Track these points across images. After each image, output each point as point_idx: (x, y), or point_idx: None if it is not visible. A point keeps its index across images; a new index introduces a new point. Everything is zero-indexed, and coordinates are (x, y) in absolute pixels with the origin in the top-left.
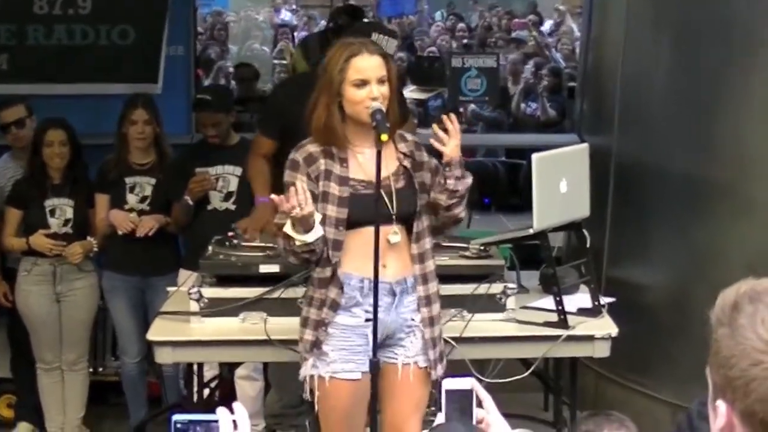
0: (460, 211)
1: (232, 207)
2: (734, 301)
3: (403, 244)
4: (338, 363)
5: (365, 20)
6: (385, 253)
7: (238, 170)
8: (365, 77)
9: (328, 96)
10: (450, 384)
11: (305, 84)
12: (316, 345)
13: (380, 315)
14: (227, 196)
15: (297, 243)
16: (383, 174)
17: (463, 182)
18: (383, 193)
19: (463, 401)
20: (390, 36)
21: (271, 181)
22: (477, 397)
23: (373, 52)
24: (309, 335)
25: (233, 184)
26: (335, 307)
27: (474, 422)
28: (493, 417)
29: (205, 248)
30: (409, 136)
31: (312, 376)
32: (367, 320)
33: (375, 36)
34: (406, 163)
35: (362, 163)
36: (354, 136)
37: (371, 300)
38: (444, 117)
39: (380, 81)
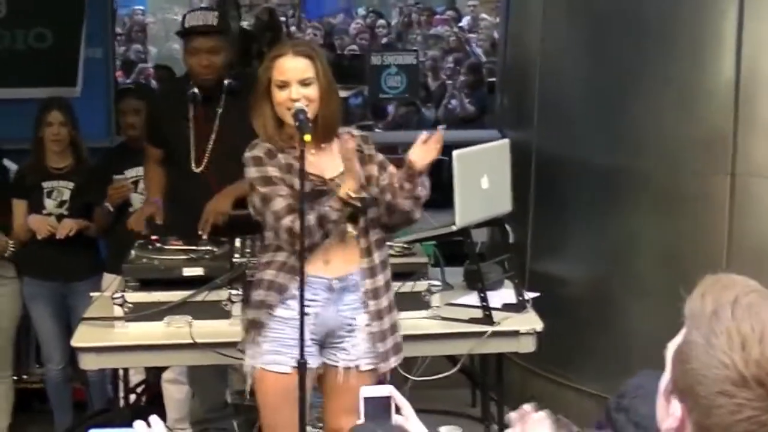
0: (417, 213)
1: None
2: (714, 309)
3: (350, 239)
4: (269, 355)
5: None
6: (331, 248)
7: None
8: (286, 78)
9: (260, 97)
10: (368, 391)
11: (179, 89)
12: (254, 325)
13: (318, 310)
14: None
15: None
16: (334, 173)
17: (426, 188)
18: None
19: (381, 408)
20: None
21: (163, 182)
22: (395, 404)
23: (299, 53)
24: (250, 315)
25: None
26: (282, 290)
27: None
28: (411, 423)
29: (127, 251)
30: (355, 132)
31: (251, 368)
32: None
33: (188, 16)
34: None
35: (311, 160)
36: (296, 134)
37: (307, 294)
38: (429, 135)
39: (303, 83)
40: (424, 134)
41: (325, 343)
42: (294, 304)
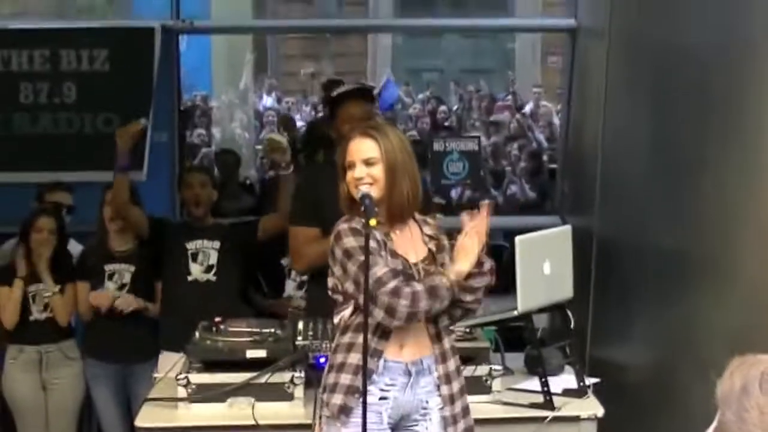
0: (475, 305)
1: (213, 278)
2: (743, 385)
3: (420, 325)
4: None
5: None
6: (404, 333)
7: (217, 243)
8: (351, 159)
9: (340, 179)
10: None
11: (323, 170)
12: (344, 411)
13: (396, 394)
14: (208, 269)
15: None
16: (416, 258)
17: (482, 278)
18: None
19: None
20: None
21: None
22: None
23: (365, 134)
24: (338, 399)
25: (213, 257)
26: (369, 375)
27: None
28: None
29: (187, 326)
30: (431, 220)
31: None
32: (381, 398)
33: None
34: (431, 246)
35: (396, 241)
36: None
37: (386, 378)
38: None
39: (367, 162)
40: (466, 216)
41: (398, 426)
42: (373, 388)
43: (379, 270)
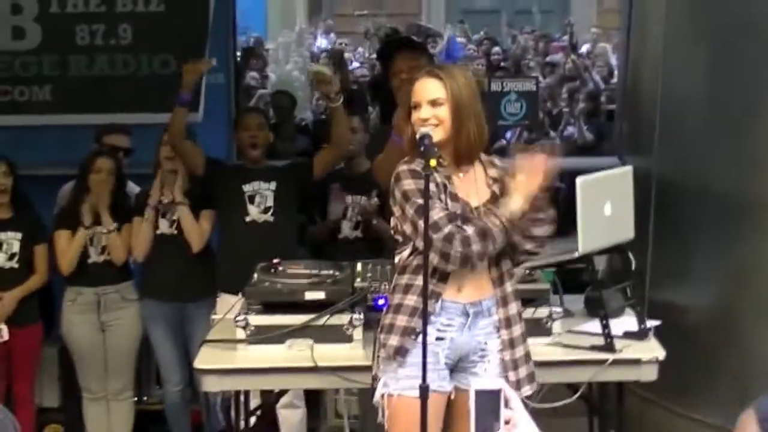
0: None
1: (271, 219)
2: None
3: (482, 268)
4: (407, 380)
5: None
6: (462, 275)
7: (273, 185)
8: (417, 100)
9: (406, 120)
10: (479, 384)
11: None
12: (400, 352)
13: (453, 335)
14: (265, 210)
15: None
16: (479, 201)
17: (543, 226)
18: None
19: (491, 401)
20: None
21: None
22: (505, 397)
23: (431, 74)
24: (394, 341)
25: (270, 199)
26: (426, 317)
27: (502, 421)
28: (518, 416)
29: (245, 268)
30: (498, 161)
31: (383, 395)
32: (438, 339)
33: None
34: (495, 188)
35: (458, 184)
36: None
37: (443, 319)
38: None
39: (432, 103)
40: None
41: (457, 367)
42: (430, 329)
43: (435, 214)
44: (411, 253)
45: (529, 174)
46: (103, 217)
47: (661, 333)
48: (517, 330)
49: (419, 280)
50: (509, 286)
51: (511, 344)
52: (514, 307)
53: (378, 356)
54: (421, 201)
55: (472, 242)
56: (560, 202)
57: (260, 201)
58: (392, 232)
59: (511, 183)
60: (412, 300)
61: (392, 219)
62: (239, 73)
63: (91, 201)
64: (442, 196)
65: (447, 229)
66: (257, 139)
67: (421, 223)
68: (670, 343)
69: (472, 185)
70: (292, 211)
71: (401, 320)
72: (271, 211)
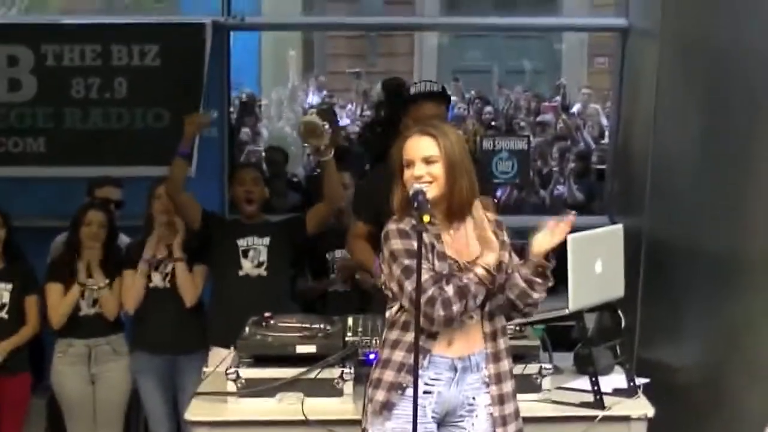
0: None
1: (264, 273)
2: None
3: (474, 323)
4: None
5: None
6: (454, 332)
7: (267, 240)
8: (410, 157)
9: (396, 178)
10: None
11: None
12: (386, 407)
13: (441, 389)
14: (259, 264)
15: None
16: (470, 258)
17: (542, 290)
18: None
19: None
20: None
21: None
22: None
23: (424, 132)
24: (381, 396)
25: (264, 254)
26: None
27: None
28: None
29: (238, 321)
30: (491, 216)
31: None
32: (425, 392)
33: (415, 86)
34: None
35: (449, 241)
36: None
37: (430, 373)
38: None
39: (426, 160)
40: (552, 221)
41: (444, 421)
42: (418, 382)
43: (422, 275)
44: (399, 310)
45: (549, 235)
46: (95, 273)
47: (651, 391)
48: (508, 386)
49: (407, 336)
50: (503, 343)
51: (501, 400)
52: (506, 364)
53: (366, 410)
54: (407, 261)
55: (452, 303)
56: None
57: (254, 256)
58: (382, 287)
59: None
60: (399, 355)
61: (382, 276)
62: (234, 128)
63: (85, 257)
64: (430, 256)
65: (430, 292)
66: (253, 194)
67: (407, 284)
68: (660, 401)
69: (464, 241)
70: (285, 266)
71: (389, 375)
72: (265, 265)
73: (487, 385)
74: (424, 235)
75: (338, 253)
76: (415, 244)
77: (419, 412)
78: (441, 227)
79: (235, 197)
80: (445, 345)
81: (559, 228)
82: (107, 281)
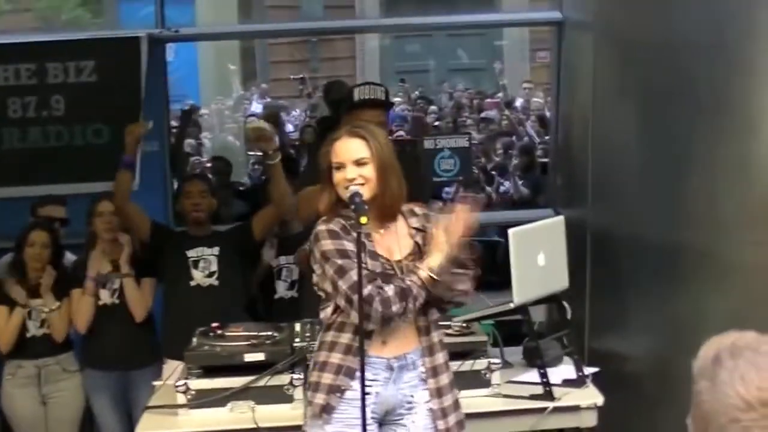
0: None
1: (216, 283)
2: (715, 355)
3: (408, 320)
4: None
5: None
6: (387, 330)
7: (216, 250)
8: (341, 160)
9: (323, 181)
10: None
11: None
12: (326, 410)
13: (378, 389)
14: (210, 275)
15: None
16: (400, 255)
17: (464, 281)
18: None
19: None
20: (378, 86)
21: None
22: None
23: (354, 134)
24: (320, 399)
25: (214, 264)
26: (351, 374)
27: None
28: None
29: (190, 333)
30: (418, 210)
31: None
32: (364, 393)
33: (361, 88)
34: (418, 238)
35: (379, 240)
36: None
37: (368, 374)
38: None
39: (358, 163)
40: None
41: (384, 420)
42: (356, 384)
43: (355, 275)
44: (333, 311)
45: (449, 228)
46: (44, 296)
47: (603, 381)
48: (445, 379)
49: (343, 338)
50: (436, 336)
51: (439, 393)
52: (441, 357)
53: (306, 413)
54: (340, 261)
55: (392, 303)
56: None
57: (204, 266)
58: (315, 288)
59: (433, 234)
60: (336, 357)
61: (314, 276)
62: (181, 139)
63: (30, 278)
64: (362, 255)
65: (367, 290)
66: (200, 206)
67: (341, 283)
68: (611, 390)
69: (394, 239)
70: (237, 275)
71: (327, 378)
72: (216, 275)
73: (425, 380)
74: (353, 234)
75: (283, 260)
76: (346, 244)
77: (359, 414)
78: (371, 227)
79: (184, 209)
80: (380, 344)
81: (458, 214)
82: (57, 303)
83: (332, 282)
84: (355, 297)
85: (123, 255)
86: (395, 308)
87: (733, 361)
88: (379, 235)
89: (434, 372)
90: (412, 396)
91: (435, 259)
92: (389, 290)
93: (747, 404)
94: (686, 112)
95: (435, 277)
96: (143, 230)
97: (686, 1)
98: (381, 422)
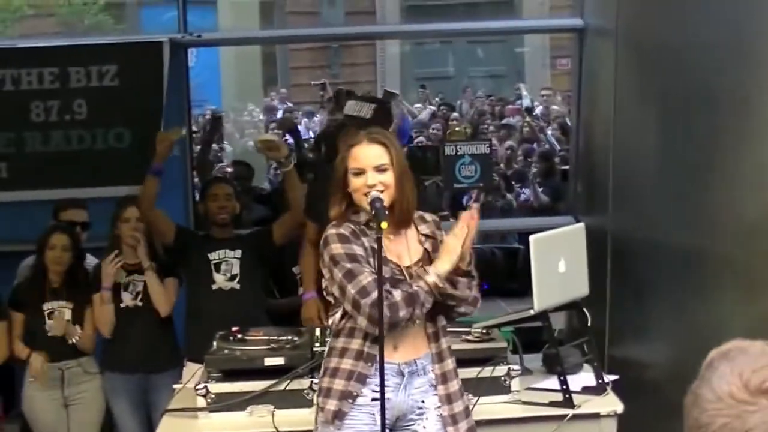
0: (465, 308)
1: (237, 286)
2: (710, 361)
3: (417, 326)
4: None
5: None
6: (397, 335)
7: (238, 253)
8: (361, 166)
9: (337, 186)
10: None
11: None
12: (338, 416)
13: (389, 395)
14: (231, 278)
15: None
16: (410, 261)
17: (468, 288)
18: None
19: None
20: (367, 101)
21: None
22: None
23: (373, 140)
24: (332, 405)
25: (236, 267)
26: (363, 380)
27: None
28: None
29: (212, 336)
30: (428, 217)
31: None
32: (374, 399)
33: (349, 104)
34: (428, 245)
35: (389, 246)
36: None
37: (377, 380)
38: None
39: (378, 169)
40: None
41: (395, 426)
42: (367, 390)
43: (364, 279)
44: (342, 316)
45: (459, 232)
46: (62, 296)
47: (622, 388)
48: (454, 385)
49: (354, 343)
50: (444, 342)
51: (449, 399)
52: (449, 363)
53: (317, 419)
54: (349, 265)
55: (400, 308)
56: (518, 262)
57: (226, 269)
58: (324, 293)
59: (442, 240)
60: (348, 363)
61: (323, 281)
62: (209, 144)
63: (51, 281)
64: (371, 260)
65: (375, 294)
66: (226, 208)
67: (349, 288)
68: (631, 398)
69: (404, 245)
70: (257, 279)
71: (339, 384)
72: (237, 278)
73: (434, 386)
74: (364, 239)
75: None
76: (355, 248)
77: (369, 420)
78: (384, 232)
79: (209, 212)
80: (392, 350)
81: (463, 222)
82: (71, 305)
83: (340, 286)
84: (363, 301)
85: (140, 249)
86: (402, 313)
87: (728, 362)
88: (389, 241)
89: (444, 378)
90: (422, 402)
91: (443, 264)
92: (397, 295)
93: (717, 397)
94: (708, 118)
95: (440, 284)
96: (168, 235)
97: (705, 7)
98: (392, 428)
